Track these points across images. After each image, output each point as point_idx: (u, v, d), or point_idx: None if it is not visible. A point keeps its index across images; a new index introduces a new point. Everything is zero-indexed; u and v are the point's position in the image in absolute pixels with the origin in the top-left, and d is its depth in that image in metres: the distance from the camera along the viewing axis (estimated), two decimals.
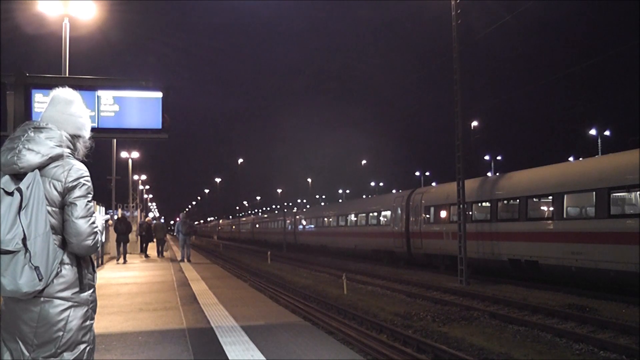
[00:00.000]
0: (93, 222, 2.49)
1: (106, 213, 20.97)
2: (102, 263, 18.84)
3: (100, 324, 7.03)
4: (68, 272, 2.43)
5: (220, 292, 10.40)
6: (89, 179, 2.54)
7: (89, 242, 2.45)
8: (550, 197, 16.02)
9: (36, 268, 2.27)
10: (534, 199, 17.12)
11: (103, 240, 2.56)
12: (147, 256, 23.45)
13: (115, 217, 25.76)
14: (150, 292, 10.81)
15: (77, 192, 2.46)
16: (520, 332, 10.42)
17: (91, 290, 2.53)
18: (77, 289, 2.44)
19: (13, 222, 2.26)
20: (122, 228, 20.95)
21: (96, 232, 2.50)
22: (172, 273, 15.17)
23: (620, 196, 14.15)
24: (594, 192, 14.23)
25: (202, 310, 8.05)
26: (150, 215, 37.12)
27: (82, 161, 2.64)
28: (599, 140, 47.72)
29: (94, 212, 2.53)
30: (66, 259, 2.44)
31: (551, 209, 16.11)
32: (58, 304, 2.38)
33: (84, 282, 2.49)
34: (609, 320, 10.83)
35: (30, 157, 2.41)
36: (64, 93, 2.70)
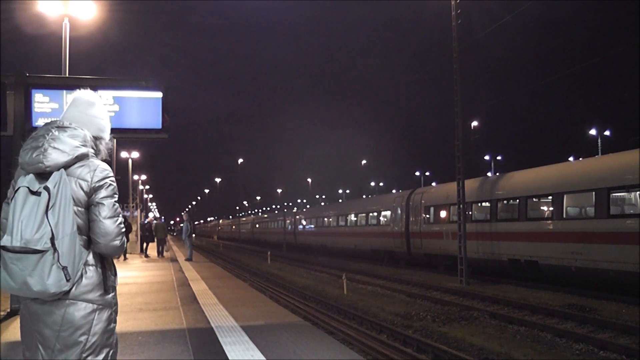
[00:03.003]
0: (120, 223, 2.46)
1: None
2: None
3: None
4: (93, 273, 2.39)
5: (220, 292, 10.39)
6: (114, 179, 2.53)
7: (117, 242, 2.43)
8: (550, 197, 16.02)
9: (64, 268, 2.23)
10: (534, 199, 17.10)
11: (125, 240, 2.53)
12: (147, 256, 23.45)
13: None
14: (150, 292, 10.80)
15: (104, 192, 2.44)
16: (520, 332, 10.43)
17: (114, 293, 2.50)
18: (101, 291, 2.40)
19: (41, 221, 2.22)
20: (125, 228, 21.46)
21: (123, 232, 2.47)
22: (172, 273, 15.16)
23: (620, 196, 14.14)
24: (594, 192, 14.22)
25: (202, 310, 8.04)
26: (151, 215, 37.12)
27: (104, 161, 2.62)
28: (599, 140, 47.73)
29: (120, 213, 2.51)
30: (91, 260, 2.40)
31: (551, 209, 16.10)
32: (83, 307, 2.33)
33: (108, 283, 2.46)
34: (609, 320, 10.83)
35: (57, 156, 2.38)
36: (86, 95, 2.69)
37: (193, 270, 16.02)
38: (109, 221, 2.41)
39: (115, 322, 2.48)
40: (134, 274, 15.32)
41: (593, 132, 48.85)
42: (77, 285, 2.32)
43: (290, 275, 22.68)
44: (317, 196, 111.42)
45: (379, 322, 11.21)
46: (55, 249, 2.22)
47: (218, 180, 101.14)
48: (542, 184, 16.72)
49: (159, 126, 6.38)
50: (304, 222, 44.64)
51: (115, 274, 2.57)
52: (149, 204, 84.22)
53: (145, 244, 24.58)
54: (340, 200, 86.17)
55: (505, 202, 18.32)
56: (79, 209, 2.40)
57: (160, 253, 23.93)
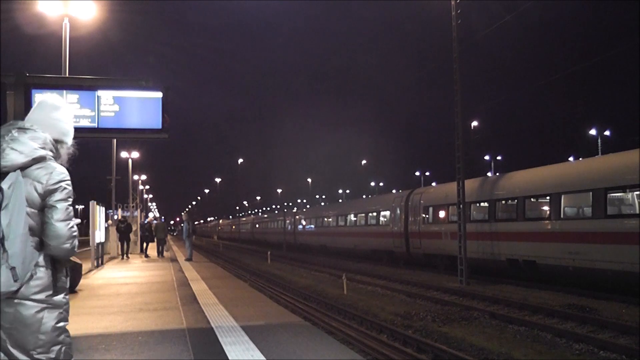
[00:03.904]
0: (72, 226, 2.50)
1: (106, 213, 21.02)
2: (102, 263, 18.85)
3: (100, 324, 7.03)
4: (43, 274, 2.43)
5: (220, 292, 10.39)
6: (70, 183, 2.56)
7: (68, 245, 2.46)
8: (548, 198, 16.10)
9: (12, 269, 2.27)
10: (532, 199, 17.19)
11: (77, 243, 2.56)
12: (147, 256, 23.46)
13: (115, 217, 25.91)
14: (150, 292, 10.80)
15: (58, 195, 2.47)
16: (520, 332, 10.43)
17: (64, 293, 2.54)
18: (50, 292, 2.45)
19: None
20: (124, 228, 22.84)
21: (75, 236, 2.50)
22: (172, 273, 15.16)
23: (617, 196, 14.23)
24: (591, 193, 14.30)
25: (202, 310, 8.05)
26: (151, 215, 37.12)
27: (64, 167, 2.65)
28: (599, 140, 47.74)
29: (73, 216, 2.54)
30: (41, 262, 2.44)
31: (549, 209, 16.16)
32: (32, 306, 2.38)
33: (58, 285, 2.50)
34: (609, 320, 10.83)
35: (14, 157, 2.42)
36: (52, 99, 2.75)
37: (193, 270, 16.02)
38: (60, 224, 2.45)
39: (66, 320, 2.52)
40: (134, 274, 15.33)
41: (593, 132, 48.90)
42: (26, 285, 2.36)
43: (290, 275, 22.67)
44: (317, 196, 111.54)
45: (379, 322, 11.21)
46: (4, 250, 2.25)
47: (218, 180, 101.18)
48: (540, 184, 16.79)
49: (159, 126, 6.37)
50: (303, 222, 44.66)
51: (67, 276, 2.60)
52: (149, 204, 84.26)
53: (145, 244, 24.60)
54: (340, 200, 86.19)
55: (503, 202, 18.38)
56: (33, 210, 2.43)
57: (160, 253, 23.95)
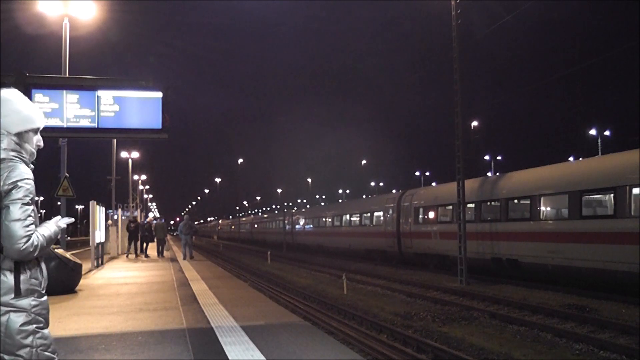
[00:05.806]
0: (28, 226, 2.44)
1: (106, 213, 20.99)
2: (102, 263, 18.85)
3: (100, 324, 7.03)
4: (6, 277, 2.41)
5: (220, 292, 10.39)
6: (29, 181, 2.51)
7: (20, 245, 2.39)
8: (529, 200, 16.66)
9: None
10: (514, 201, 17.75)
11: (38, 244, 2.50)
12: (147, 256, 23.46)
13: (115, 217, 25.91)
14: (150, 292, 10.80)
15: (14, 195, 2.43)
16: (520, 332, 10.43)
17: (34, 295, 2.50)
18: (12, 295, 2.42)
19: None
20: (133, 228, 23.61)
21: (29, 236, 2.43)
22: (172, 273, 15.16)
23: (591, 198, 14.89)
24: (567, 195, 14.92)
25: (202, 310, 8.05)
26: (151, 215, 37.10)
27: (28, 164, 2.61)
28: (599, 140, 47.76)
29: (30, 216, 2.47)
30: (4, 265, 2.42)
31: (529, 210, 16.66)
32: None
33: (22, 287, 2.46)
34: (609, 320, 10.84)
35: None
36: (2, 93, 2.66)
37: (193, 270, 16.02)
38: (14, 224, 2.40)
39: (37, 322, 2.48)
40: (134, 274, 15.32)
41: (593, 132, 48.93)
42: None
43: (290, 275, 22.68)
44: (317, 196, 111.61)
45: (379, 322, 11.20)
46: None
47: (218, 180, 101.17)
48: (521, 186, 17.47)
49: (159, 126, 6.39)
50: (301, 222, 44.99)
51: (38, 277, 2.55)
52: (149, 204, 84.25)
53: (145, 244, 24.59)
54: (340, 201, 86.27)
55: (488, 203, 18.94)
56: None
57: (160, 253, 23.97)
